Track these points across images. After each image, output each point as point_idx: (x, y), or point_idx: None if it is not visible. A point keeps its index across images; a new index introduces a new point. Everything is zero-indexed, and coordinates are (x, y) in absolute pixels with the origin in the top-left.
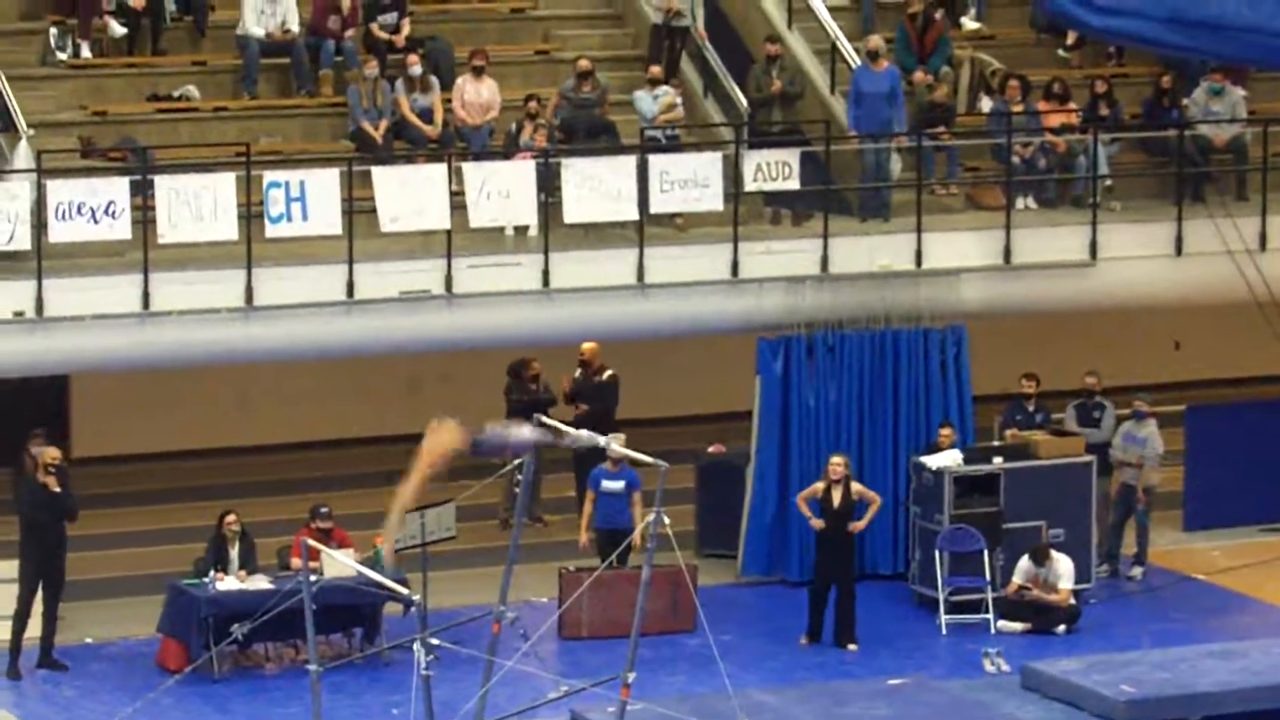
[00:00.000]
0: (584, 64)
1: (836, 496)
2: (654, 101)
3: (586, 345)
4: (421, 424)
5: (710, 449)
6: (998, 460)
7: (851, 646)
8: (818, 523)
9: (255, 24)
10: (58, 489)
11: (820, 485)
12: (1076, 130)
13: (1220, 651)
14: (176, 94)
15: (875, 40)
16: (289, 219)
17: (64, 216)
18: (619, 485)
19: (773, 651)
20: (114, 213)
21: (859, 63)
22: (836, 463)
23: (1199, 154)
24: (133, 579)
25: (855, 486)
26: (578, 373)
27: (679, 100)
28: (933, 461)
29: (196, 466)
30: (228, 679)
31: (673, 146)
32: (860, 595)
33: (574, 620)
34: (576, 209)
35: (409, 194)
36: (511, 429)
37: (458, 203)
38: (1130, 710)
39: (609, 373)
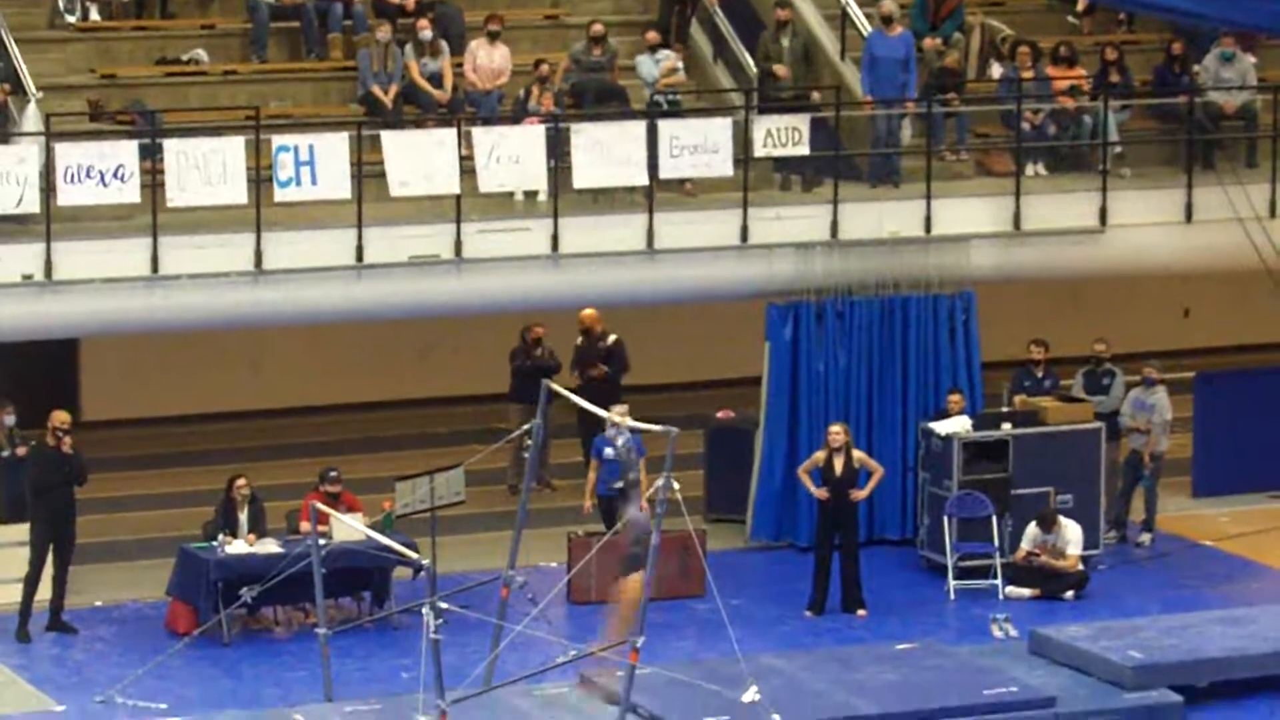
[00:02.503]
0: (598, 28)
1: (838, 464)
2: (655, 65)
3: (586, 311)
4: (431, 388)
5: (719, 414)
6: (1006, 426)
7: (861, 612)
8: (820, 492)
9: None
10: (69, 451)
11: (821, 454)
12: (1086, 96)
13: (1228, 617)
14: (185, 57)
15: (888, 4)
16: (298, 183)
17: (73, 179)
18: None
19: (781, 616)
20: (123, 176)
21: (870, 28)
22: (835, 431)
23: (1209, 121)
24: (142, 542)
25: (857, 454)
26: (580, 340)
27: (680, 64)
28: (942, 427)
29: (205, 430)
30: (237, 642)
31: (675, 111)
32: (869, 560)
33: (583, 585)
34: (586, 174)
35: (418, 159)
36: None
37: (467, 167)
38: (1138, 676)
39: (613, 338)
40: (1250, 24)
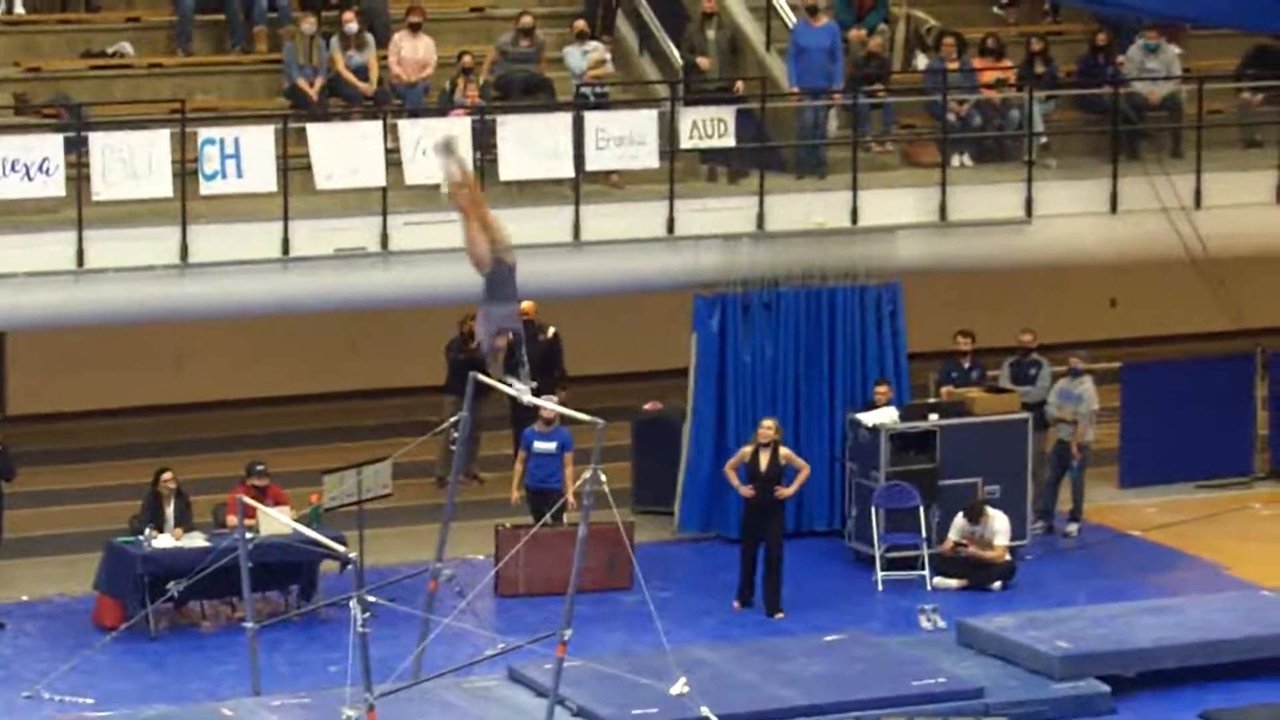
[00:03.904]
0: (527, 19)
1: (764, 460)
2: (583, 57)
3: (525, 304)
4: (358, 381)
5: (646, 406)
6: (933, 417)
7: (779, 615)
8: (747, 490)
9: None
10: None
11: (748, 449)
12: (1012, 87)
13: (1155, 607)
14: (111, 50)
15: None
16: (224, 176)
17: None
18: (551, 446)
19: (710, 608)
20: (48, 170)
21: (795, 20)
22: (767, 425)
23: (1134, 111)
24: (69, 536)
25: (784, 451)
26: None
27: (608, 56)
28: (869, 418)
29: (132, 424)
30: (164, 636)
31: (602, 103)
32: (796, 552)
33: (511, 577)
34: (512, 166)
35: (344, 151)
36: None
37: (393, 160)
38: (1065, 666)
39: (551, 330)
40: (1178, 14)
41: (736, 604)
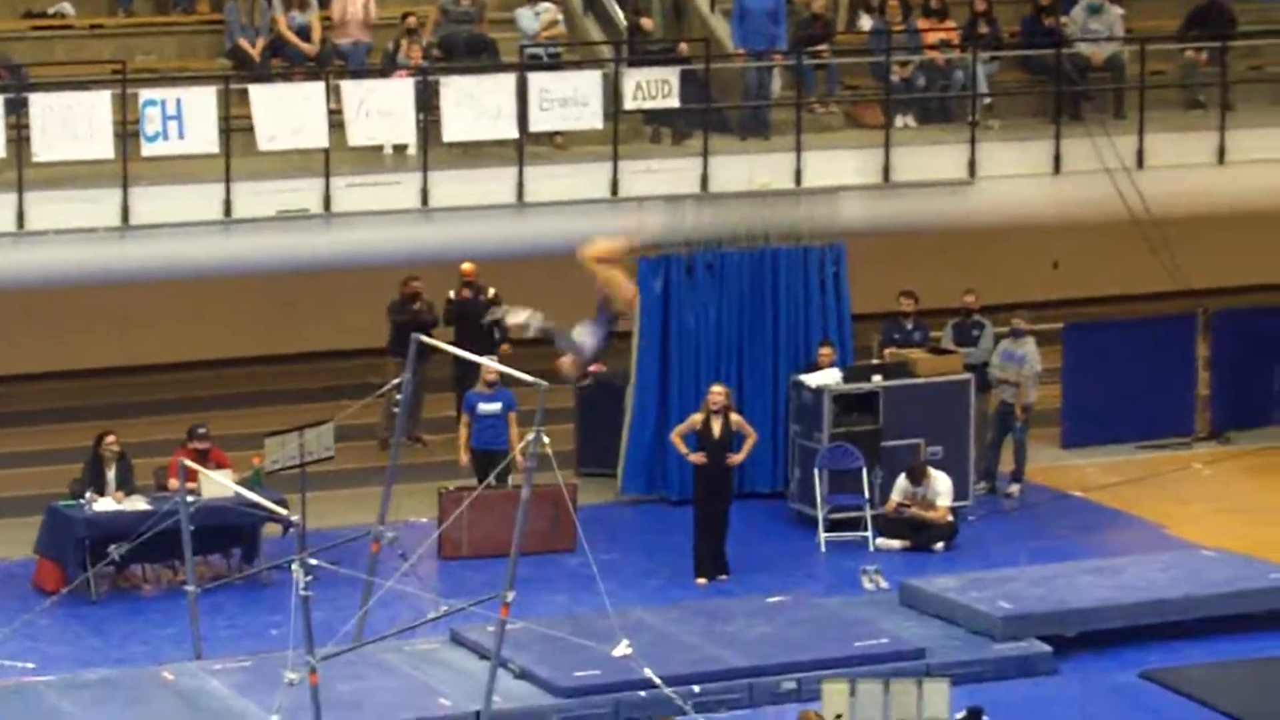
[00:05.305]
0: None
1: (716, 427)
2: (535, 18)
3: (466, 265)
4: (300, 344)
5: (590, 368)
6: (876, 378)
7: (722, 577)
8: (697, 457)
9: None
10: None
11: (698, 417)
12: (956, 48)
13: (1096, 567)
14: (52, 11)
15: None
16: (165, 137)
17: None
18: (495, 407)
19: (652, 570)
20: None
21: None
22: (716, 392)
23: (1077, 72)
24: (8, 500)
25: (735, 417)
26: (452, 294)
27: (560, 17)
28: (812, 380)
29: (73, 387)
30: (105, 600)
31: (555, 64)
32: (739, 514)
33: (454, 540)
34: (456, 127)
35: (287, 112)
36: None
37: (336, 121)
38: (1008, 626)
39: (492, 291)
40: None
41: (701, 579)
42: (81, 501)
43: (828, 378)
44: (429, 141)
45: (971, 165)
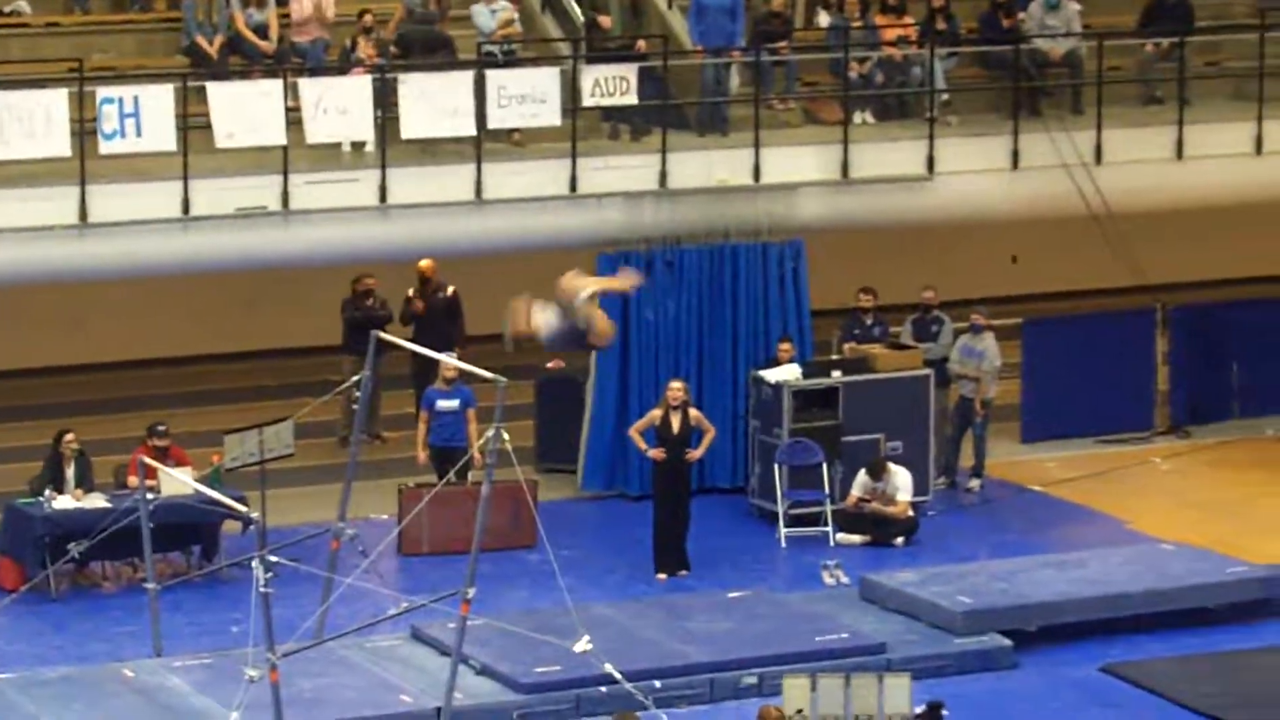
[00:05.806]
0: None
1: (675, 422)
2: (492, 16)
3: (424, 262)
4: (258, 341)
5: (549, 364)
6: (836, 374)
7: (682, 572)
8: (657, 453)
9: None
10: None
11: (658, 412)
12: (914, 44)
13: (1056, 562)
14: (8, 9)
15: None
16: (123, 135)
17: None
18: (453, 404)
19: (613, 565)
20: None
21: None
22: (676, 388)
23: (1035, 68)
24: None
25: (694, 413)
26: (411, 290)
27: (516, 15)
28: (772, 376)
29: (32, 385)
30: (65, 598)
31: (511, 62)
32: (700, 509)
33: (414, 537)
34: (414, 125)
35: (244, 110)
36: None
37: (294, 119)
38: (968, 621)
39: (450, 289)
40: None
41: (662, 575)
42: (41, 499)
43: (787, 373)
44: (387, 139)
45: (930, 161)
